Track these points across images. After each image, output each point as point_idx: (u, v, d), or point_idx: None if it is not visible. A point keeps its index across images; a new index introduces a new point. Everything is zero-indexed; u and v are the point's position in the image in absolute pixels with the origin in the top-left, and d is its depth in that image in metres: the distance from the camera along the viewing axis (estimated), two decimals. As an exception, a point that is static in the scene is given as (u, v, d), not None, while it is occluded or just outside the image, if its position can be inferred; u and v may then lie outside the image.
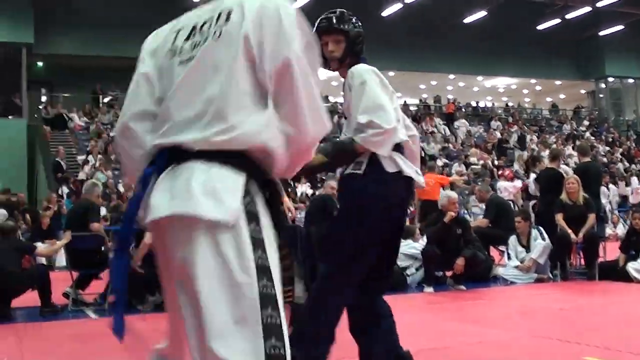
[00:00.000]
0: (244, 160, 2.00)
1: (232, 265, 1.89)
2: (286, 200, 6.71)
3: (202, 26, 2.14)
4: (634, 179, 23.24)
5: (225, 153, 1.98)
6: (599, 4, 29.31)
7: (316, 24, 3.78)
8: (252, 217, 1.97)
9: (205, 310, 1.88)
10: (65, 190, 18.99)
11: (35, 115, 26.65)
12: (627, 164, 29.99)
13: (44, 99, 28.43)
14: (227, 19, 2.07)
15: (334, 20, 3.85)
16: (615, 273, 9.84)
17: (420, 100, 36.30)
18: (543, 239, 10.19)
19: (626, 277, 9.60)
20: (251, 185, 2.00)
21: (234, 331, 1.87)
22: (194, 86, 2.05)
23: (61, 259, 11.79)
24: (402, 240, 10.49)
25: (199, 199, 1.91)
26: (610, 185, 23.02)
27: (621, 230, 18.51)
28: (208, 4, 2.20)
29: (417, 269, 10.10)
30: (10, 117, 25.96)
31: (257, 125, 2.01)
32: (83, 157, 22.02)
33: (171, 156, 2.03)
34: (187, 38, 2.16)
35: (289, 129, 2.07)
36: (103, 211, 13.50)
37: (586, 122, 36.47)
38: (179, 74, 2.10)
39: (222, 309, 1.88)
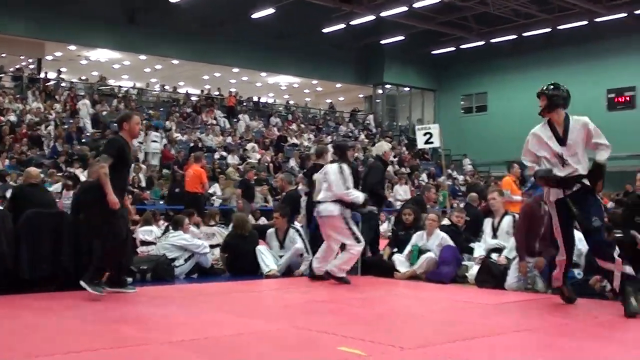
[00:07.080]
0: None
1: None
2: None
3: None
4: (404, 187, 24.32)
5: None
6: (383, 14, 30.36)
7: None
8: None
9: None
10: None
11: None
12: (397, 167, 31.44)
13: None
14: None
15: None
16: (378, 268, 10.22)
17: (202, 91, 36.02)
18: (300, 236, 10.36)
19: (389, 273, 9.97)
20: None
21: None
22: None
23: None
24: (173, 231, 10.30)
25: None
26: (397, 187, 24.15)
27: (385, 228, 19.29)
28: None
29: (185, 260, 9.95)
30: None
31: None
32: None
33: None
34: None
35: None
36: None
37: (369, 123, 38.02)
38: None
39: None
